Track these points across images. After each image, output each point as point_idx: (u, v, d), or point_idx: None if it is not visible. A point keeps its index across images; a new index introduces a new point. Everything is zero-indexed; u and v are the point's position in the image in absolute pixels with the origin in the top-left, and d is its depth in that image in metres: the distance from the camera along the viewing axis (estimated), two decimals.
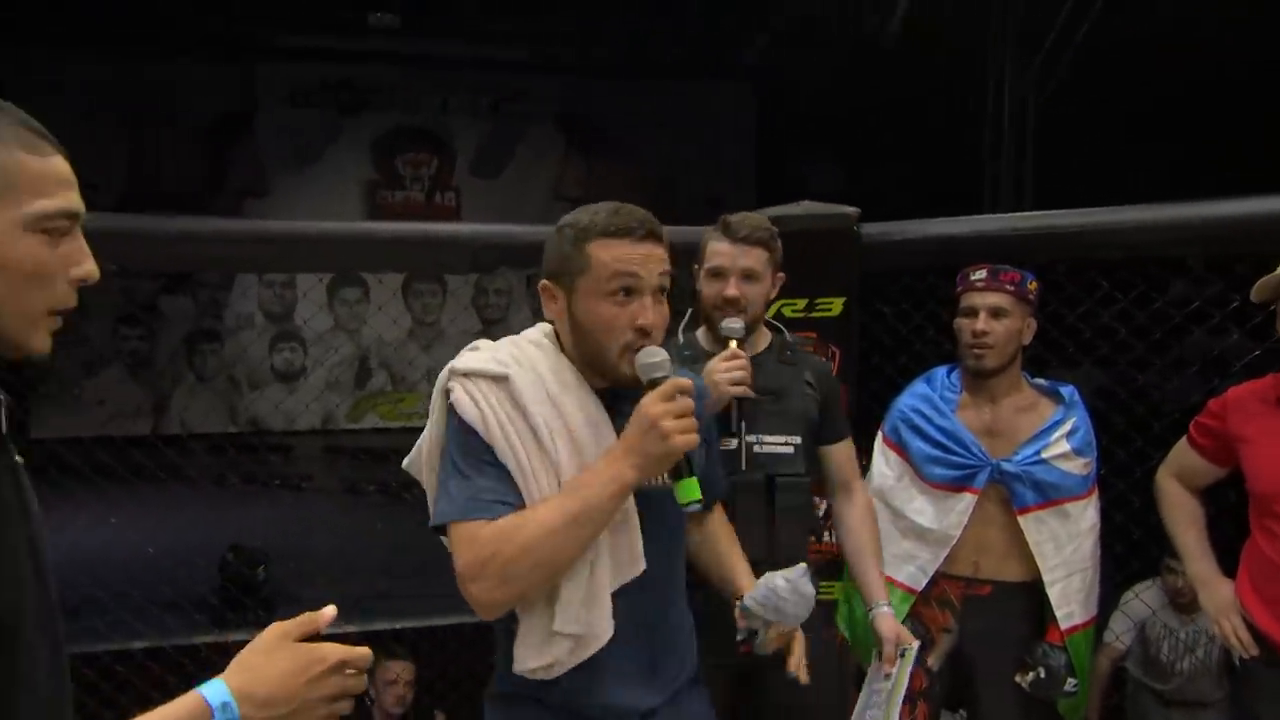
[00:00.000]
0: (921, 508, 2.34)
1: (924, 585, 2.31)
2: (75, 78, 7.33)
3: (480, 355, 1.51)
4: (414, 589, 3.57)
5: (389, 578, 3.86)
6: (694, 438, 1.38)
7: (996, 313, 2.27)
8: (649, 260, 1.45)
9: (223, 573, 3.95)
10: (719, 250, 2.09)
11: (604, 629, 1.45)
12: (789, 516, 2.08)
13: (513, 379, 1.46)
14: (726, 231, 2.09)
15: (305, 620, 1.00)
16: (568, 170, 7.97)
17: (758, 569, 1.95)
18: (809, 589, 1.71)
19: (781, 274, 2.15)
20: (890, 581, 2.24)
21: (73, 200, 0.96)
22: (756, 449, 2.09)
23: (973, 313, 2.29)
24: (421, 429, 1.56)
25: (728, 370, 1.98)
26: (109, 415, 7.37)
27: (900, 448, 2.41)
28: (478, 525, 1.38)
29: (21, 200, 0.92)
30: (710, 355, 2.12)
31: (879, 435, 2.48)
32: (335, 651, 0.99)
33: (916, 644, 2.11)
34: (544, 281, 1.53)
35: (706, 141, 8.04)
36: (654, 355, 1.43)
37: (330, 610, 1.01)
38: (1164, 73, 4.95)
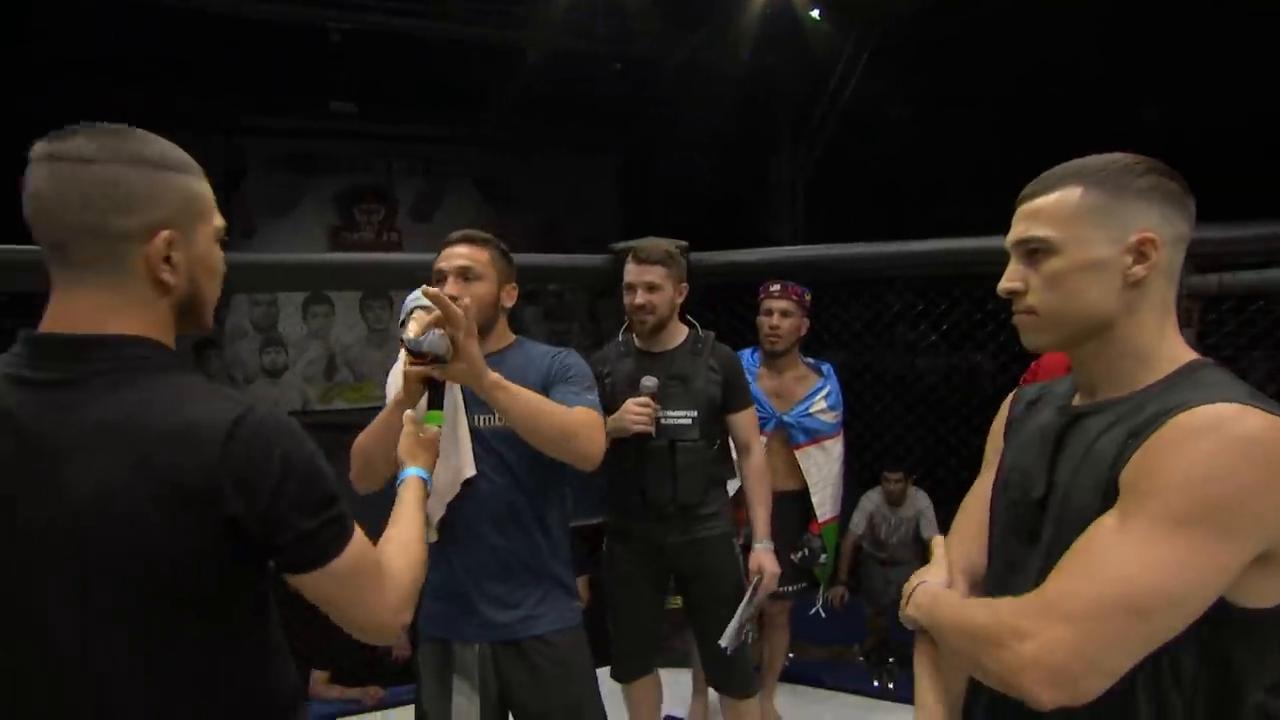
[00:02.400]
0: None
1: (733, 494, 2.38)
2: None
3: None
4: (367, 520, 3.41)
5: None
6: (418, 370, 1.36)
7: (785, 313, 2.38)
8: (452, 257, 1.53)
9: None
10: (629, 270, 1.93)
11: (435, 510, 1.52)
12: (687, 472, 1.92)
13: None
14: (634, 256, 1.93)
15: (412, 418, 1.27)
16: (480, 216, 7.81)
17: (663, 512, 1.94)
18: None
19: (685, 284, 1.98)
20: None
21: None
22: (664, 421, 1.89)
23: (770, 313, 2.40)
24: (374, 409, 1.56)
25: (637, 413, 1.84)
26: None
27: None
28: None
29: (213, 217, 0.87)
30: (639, 352, 1.96)
31: None
32: (433, 432, 1.27)
33: (767, 576, 2.02)
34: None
35: (583, 196, 8.03)
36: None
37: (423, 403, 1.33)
38: (891, 145, 5.29)
